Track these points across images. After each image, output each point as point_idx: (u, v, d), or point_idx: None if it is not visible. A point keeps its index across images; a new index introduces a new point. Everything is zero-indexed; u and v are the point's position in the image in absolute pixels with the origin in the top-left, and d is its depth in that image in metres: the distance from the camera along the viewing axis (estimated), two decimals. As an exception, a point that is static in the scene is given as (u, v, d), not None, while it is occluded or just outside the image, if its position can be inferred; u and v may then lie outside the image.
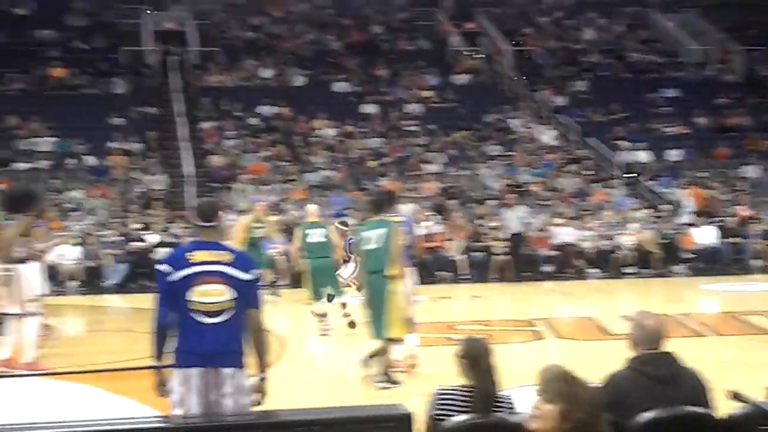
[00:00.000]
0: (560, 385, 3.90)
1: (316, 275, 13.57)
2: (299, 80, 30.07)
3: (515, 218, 21.65)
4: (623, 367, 5.02)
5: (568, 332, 14.03)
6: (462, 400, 5.18)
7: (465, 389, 5.24)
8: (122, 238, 20.99)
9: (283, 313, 16.21)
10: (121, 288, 20.12)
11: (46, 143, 25.47)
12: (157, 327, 5.41)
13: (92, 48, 31.03)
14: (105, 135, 26.03)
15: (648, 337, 4.98)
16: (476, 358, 5.29)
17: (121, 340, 14.23)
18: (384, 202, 9.79)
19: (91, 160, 24.93)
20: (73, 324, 16.64)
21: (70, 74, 28.83)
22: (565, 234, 21.91)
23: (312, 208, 14.53)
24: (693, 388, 4.89)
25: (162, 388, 5.46)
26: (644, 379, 4.84)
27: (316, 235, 13.69)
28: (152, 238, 20.97)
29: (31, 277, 10.42)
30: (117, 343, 13.94)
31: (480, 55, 32.48)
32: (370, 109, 28.65)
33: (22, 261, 10.24)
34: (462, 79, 31.05)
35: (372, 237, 9.51)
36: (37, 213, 10.58)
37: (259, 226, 16.27)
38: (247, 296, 5.44)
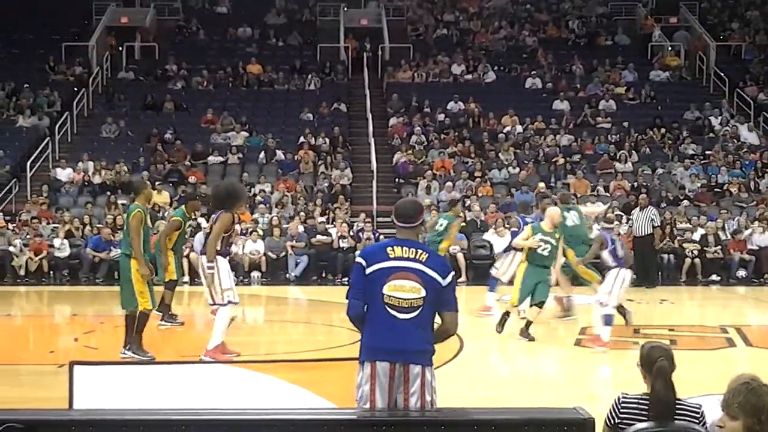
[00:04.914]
0: (744, 399, 3.58)
1: None
2: (490, 76, 29.70)
3: (644, 219, 19.64)
4: None
5: (762, 341, 13.34)
6: (644, 408, 5.05)
7: (646, 397, 5.10)
8: (305, 231, 21.25)
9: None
10: (302, 280, 20.36)
11: (238, 138, 26.21)
12: (351, 318, 5.57)
13: (288, 45, 31.80)
14: (295, 130, 26.59)
15: None
16: (651, 364, 5.10)
17: (299, 331, 14.66)
18: None
19: (280, 155, 25.43)
20: (255, 314, 17.02)
21: (265, 71, 29.56)
22: (764, 238, 20.63)
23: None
24: None
25: None
26: None
27: None
28: (335, 231, 21.16)
29: (225, 268, 10.86)
30: (295, 333, 14.38)
31: (682, 51, 31.12)
32: (561, 105, 27.97)
33: (219, 254, 10.72)
34: (661, 75, 29.86)
35: None
36: (240, 210, 11.10)
37: None
38: (440, 298, 5.44)
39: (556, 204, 14.91)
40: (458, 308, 5.56)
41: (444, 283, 5.43)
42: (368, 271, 5.42)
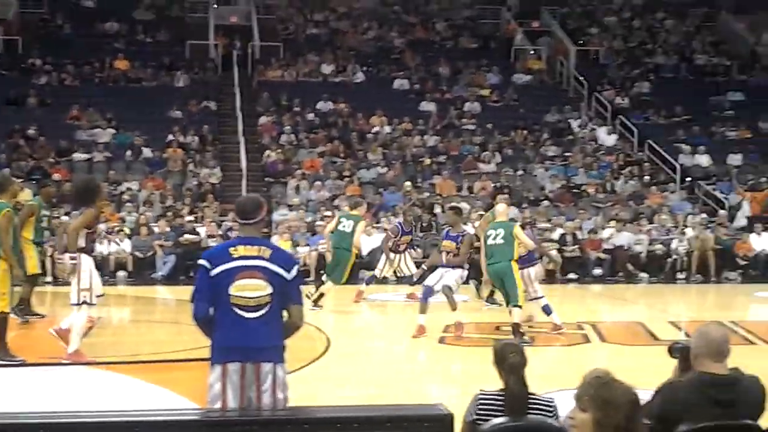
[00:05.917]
0: (595, 393, 3.72)
1: None
2: (359, 77, 30.03)
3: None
4: (683, 379, 4.82)
5: (615, 336, 13.87)
6: (500, 404, 5.17)
7: (502, 393, 5.24)
8: (173, 230, 21.15)
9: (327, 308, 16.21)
10: (170, 279, 20.24)
11: (105, 135, 25.81)
12: (196, 321, 5.53)
13: (157, 41, 31.39)
14: (163, 128, 26.27)
15: (712, 350, 4.71)
16: (504, 360, 5.25)
17: (166, 331, 14.46)
18: None
19: (148, 153, 25.17)
20: (120, 314, 16.86)
21: (133, 67, 29.14)
22: (619, 237, 21.56)
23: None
24: (754, 406, 4.69)
25: None
26: (705, 400, 4.59)
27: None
28: (204, 230, 21.11)
29: (87, 267, 10.49)
30: (162, 334, 14.19)
31: (543, 55, 32.09)
32: (428, 106, 28.50)
33: (84, 251, 10.35)
34: (524, 78, 30.74)
35: None
36: (100, 205, 10.91)
37: None
38: (286, 292, 5.46)
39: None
40: (301, 301, 5.62)
41: (289, 277, 5.46)
42: (213, 273, 5.42)
